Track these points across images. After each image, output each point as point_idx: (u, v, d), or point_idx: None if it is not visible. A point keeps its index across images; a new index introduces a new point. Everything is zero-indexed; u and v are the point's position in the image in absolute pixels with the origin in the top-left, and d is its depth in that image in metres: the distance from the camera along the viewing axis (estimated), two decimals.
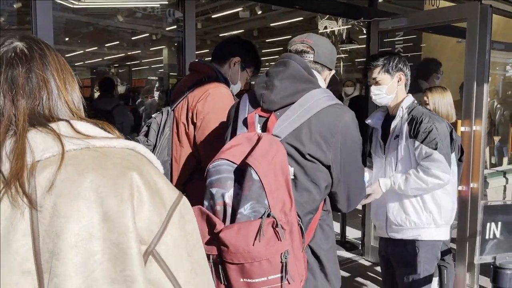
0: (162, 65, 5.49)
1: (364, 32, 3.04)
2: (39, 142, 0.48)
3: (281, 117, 1.04)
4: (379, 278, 2.66)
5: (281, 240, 0.91)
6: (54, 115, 0.52)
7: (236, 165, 0.96)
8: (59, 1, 2.21)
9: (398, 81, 1.67)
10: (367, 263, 3.08)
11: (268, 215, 0.91)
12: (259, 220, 0.90)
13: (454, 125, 2.16)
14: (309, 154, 1.02)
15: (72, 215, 0.44)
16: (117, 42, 5.96)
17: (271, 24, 6.73)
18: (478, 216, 1.15)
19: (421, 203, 1.66)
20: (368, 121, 1.89)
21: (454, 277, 2.33)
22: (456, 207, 1.84)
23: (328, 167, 1.04)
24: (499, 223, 1.18)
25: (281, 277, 0.91)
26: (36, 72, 0.53)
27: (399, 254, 1.73)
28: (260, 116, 1.08)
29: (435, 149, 1.55)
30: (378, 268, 2.71)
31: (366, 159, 1.88)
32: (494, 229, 1.18)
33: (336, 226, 3.61)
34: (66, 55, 5.14)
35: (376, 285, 2.69)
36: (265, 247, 0.89)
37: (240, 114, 1.12)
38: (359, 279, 2.83)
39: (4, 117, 0.50)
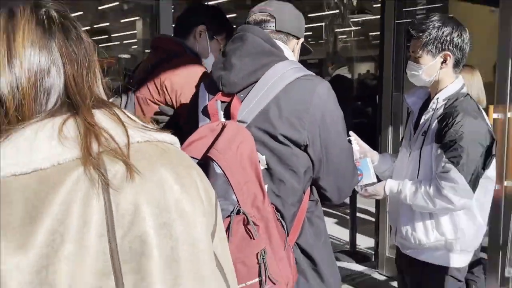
0: (136, 40, 5.01)
1: None
2: (106, 126, 0.49)
3: (245, 100, 0.98)
4: None
5: (254, 239, 0.89)
6: (100, 93, 0.54)
7: (200, 162, 0.91)
8: None
9: (442, 63, 1.37)
10: (382, 277, 2.68)
11: (238, 212, 0.89)
12: (227, 219, 0.87)
13: (485, 111, 1.94)
14: (281, 135, 0.95)
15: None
16: (81, 13, 5.34)
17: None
18: None
19: (434, 220, 1.40)
20: (407, 99, 1.60)
21: None
22: (484, 232, 1.55)
23: (305, 148, 0.98)
24: None
25: (260, 281, 0.88)
26: (84, 38, 0.54)
27: (410, 273, 1.54)
28: (222, 102, 1.01)
29: (457, 164, 1.27)
30: (395, 283, 2.40)
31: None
32: None
33: (345, 234, 3.26)
34: None
35: None
36: (237, 248, 0.86)
37: (200, 103, 1.05)
38: None
39: (78, 90, 0.51)
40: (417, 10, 3.00)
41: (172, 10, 2.45)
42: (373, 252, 2.90)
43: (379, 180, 1.53)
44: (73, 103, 0.49)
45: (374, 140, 2.67)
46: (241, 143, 0.93)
